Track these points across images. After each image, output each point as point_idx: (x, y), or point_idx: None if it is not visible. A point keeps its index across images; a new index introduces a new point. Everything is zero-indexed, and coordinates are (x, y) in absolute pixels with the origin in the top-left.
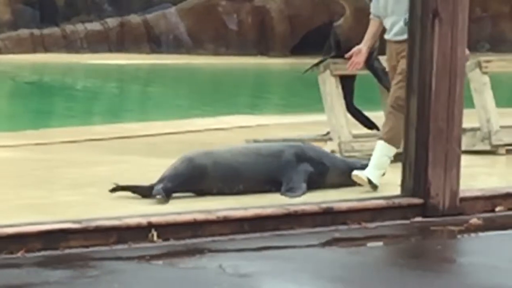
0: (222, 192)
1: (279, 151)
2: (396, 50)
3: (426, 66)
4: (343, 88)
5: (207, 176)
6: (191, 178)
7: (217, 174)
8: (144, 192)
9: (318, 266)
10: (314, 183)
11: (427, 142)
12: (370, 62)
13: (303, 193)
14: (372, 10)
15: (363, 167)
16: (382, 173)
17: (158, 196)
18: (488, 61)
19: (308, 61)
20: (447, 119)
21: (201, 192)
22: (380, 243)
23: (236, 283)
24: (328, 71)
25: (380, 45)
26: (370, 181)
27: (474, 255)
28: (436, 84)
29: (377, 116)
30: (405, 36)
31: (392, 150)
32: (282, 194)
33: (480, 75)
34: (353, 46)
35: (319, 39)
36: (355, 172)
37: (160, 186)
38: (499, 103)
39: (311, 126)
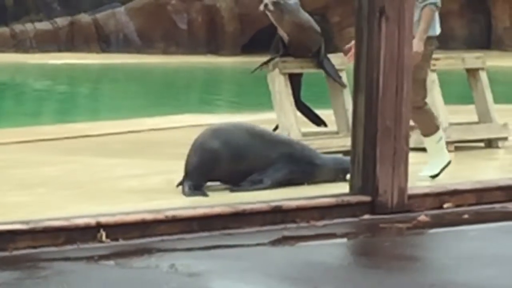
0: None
1: (280, 142)
2: None
3: (373, 64)
4: (291, 85)
5: (219, 158)
6: (209, 164)
7: (230, 150)
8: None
9: (267, 264)
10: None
11: (375, 139)
12: (319, 60)
13: (259, 189)
14: None
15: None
16: (445, 158)
17: (191, 196)
18: (436, 59)
19: (258, 59)
20: (395, 117)
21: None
22: (329, 241)
23: (184, 282)
24: (277, 70)
25: (327, 43)
26: (434, 176)
27: (422, 252)
28: (384, 82)
29: (326, 114)
30: None
31: (436, 136)
32: (245, 182)
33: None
34: (299, 46)
35: (269, 38)
36: (419, 178)
37: (187, 187)
38: (448, 100)
39: (260, 124)
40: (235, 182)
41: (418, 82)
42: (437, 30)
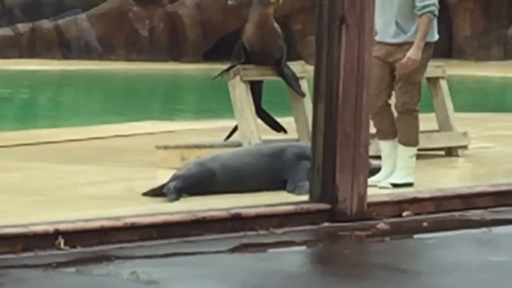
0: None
1: (280, 150)
2: (388, 52)
3: (333, 72)
4: (251, 92)
5: (216, 179)
6: (202, 181)
7: (225, 177)
8: (156, 191)
9: (225, 272)
10: None
11: (335, 147)
12: (280, 68)
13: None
14: None
15: None
16: (410, 177)
17: (170, 196)
18: None
19: (220, 66)
20: (355, 125)
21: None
22: (288, 249)
23: None
24: (238, 77)
25: (289, 51)
26: (396, 185)
27: (381, 260)
28: (343, 90)
29: (287, 122)
30: (400, 40)
31: (412, 150)
32: (289, 191)
33: None
34: (262, 53)
35: (231, 45)
36: (379, 185)
37: (173, 184)
38: None
39: (222, 131)
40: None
41: (413, 86)
42: (435, 36)
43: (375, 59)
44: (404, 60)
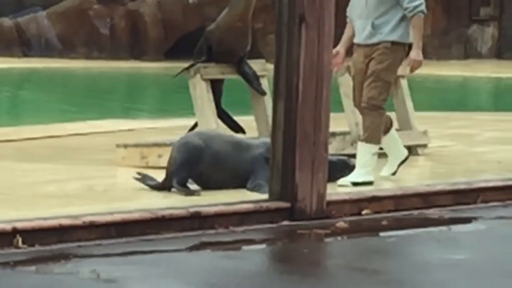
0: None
1: (255, 146)
2: (365, 53)
3: (293, 70)
4: (212, 91)
5: (202, 157)
6: (192, 161)
7: (209, 155)
8: (158, 187)
9: (184, 270)
10: None
11: (294, 146)
12: (241, 67)
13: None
14: (347, 13)
15: (340, 162)
16: (370, 176)
17: (185, 192)
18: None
19: (181, 65)
20: (314, 123)
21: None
22: (248, 247)
23: None
24: (198, 75)
25: (250, 49)
26: (356, 183)
27: (340, 258)
28: (303, 88)
29: (245, 120)
30: (375, 40)
31: (373, 148)
32: (248, 189)
33: (349, 80)
34: (226, 51)
35: (193, 43)
36: (339, 182)
37: (175, 182)
38: None
39: (182, 130)
40: (206, 185)
41: (383, 83)
42: (411, 38)
43: (356, 67)
44: (409, 65)
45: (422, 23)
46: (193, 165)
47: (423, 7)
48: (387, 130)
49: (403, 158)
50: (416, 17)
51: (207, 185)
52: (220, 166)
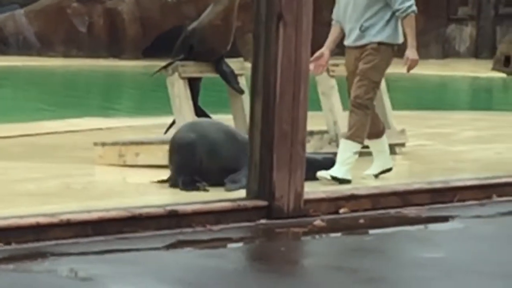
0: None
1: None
2: (355, 55)
3: (270, 68)
4: (190, 89)
5: (198, 151)
6: (189, 159)
7: (205, 146)
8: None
9: (161, 269)
10: None
11: (272, 144)
12: (219, 65)
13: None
14: (333, 15)
15: (325, 160)
16: (348, 174)
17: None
18: (335, 65)
19: (160, 63)
20: (292, 122)
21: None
22: (225, 246)
23: (74, 287)
24: (176, 74)
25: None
26: (335, 178)
27: (317, 257)
28: (281, 86)
29: (223, 119)
30: (363, 42)
31: (355, 146)
32: (225, 182)
33: (327, 79)
34: (208, 49)
35: (171, 42)
36: (319, 174)
37: (181, 185)
38: (346, 106)
39: (160, 128)
40: (206, 179)
41: (370, 83)
42: (400, 39)
43: (348, 69)
44: (405, 64)
45: (414, 22)
46: (192, 162)
47: (414, 7)
48: (379, 134)
49: (387, 167)
50: (409, 17)
51: (208, 178)
52: (216, 155)
